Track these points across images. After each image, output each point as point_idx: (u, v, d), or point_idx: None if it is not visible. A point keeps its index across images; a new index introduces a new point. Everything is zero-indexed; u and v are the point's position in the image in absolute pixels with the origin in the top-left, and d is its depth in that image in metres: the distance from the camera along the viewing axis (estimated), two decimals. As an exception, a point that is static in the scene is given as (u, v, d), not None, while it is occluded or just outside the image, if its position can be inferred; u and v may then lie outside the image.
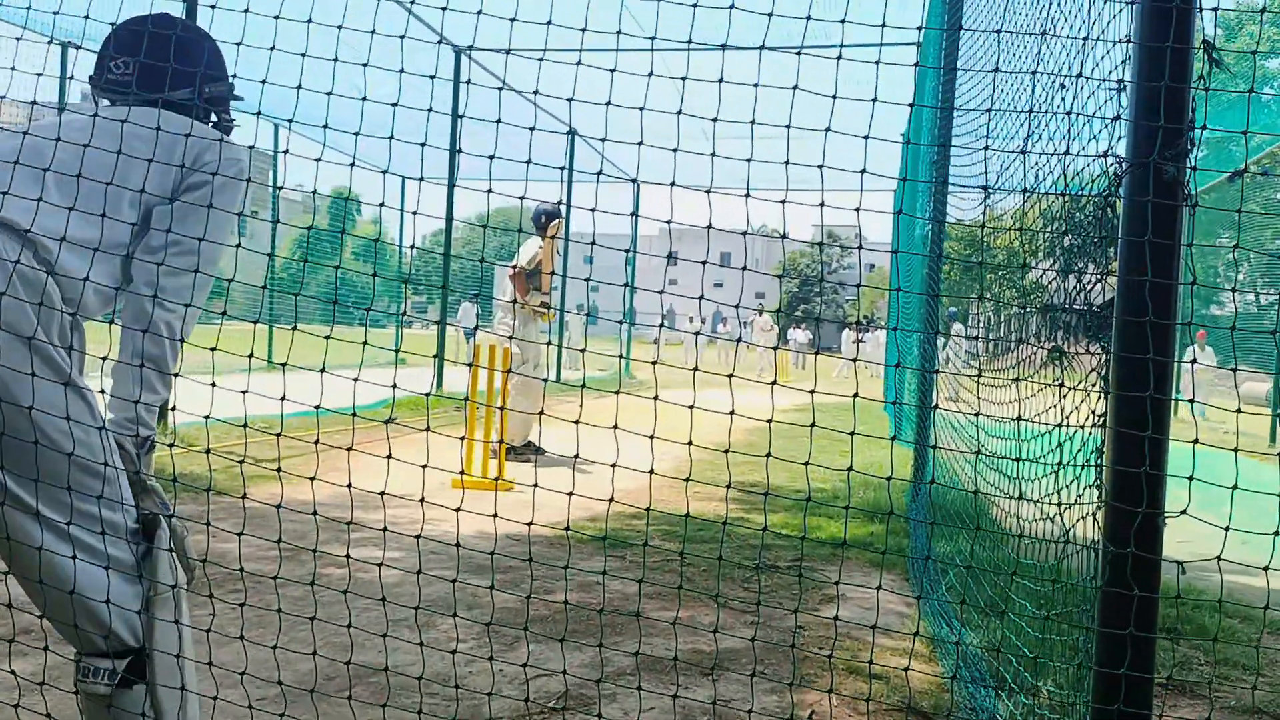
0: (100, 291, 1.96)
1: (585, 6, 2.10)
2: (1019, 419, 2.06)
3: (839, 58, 1.83)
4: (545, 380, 6.40)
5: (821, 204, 1.83)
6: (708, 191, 1.93)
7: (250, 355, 2.12)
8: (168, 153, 2.04)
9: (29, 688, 2.38)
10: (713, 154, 1.87)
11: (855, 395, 1.84)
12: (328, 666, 2.88)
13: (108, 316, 2.08)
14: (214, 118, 2.30)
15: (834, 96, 1.82)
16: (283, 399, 2.10)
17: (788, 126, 1.78)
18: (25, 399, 1.77)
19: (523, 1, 2.11)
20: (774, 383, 1.86)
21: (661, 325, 17.53)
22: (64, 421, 1.80)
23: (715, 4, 1.93)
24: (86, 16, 2.49)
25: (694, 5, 1.93)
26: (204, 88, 2.25)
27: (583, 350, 2.14)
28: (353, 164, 2.16)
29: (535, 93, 1.94)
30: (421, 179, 2.29)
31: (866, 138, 1.81)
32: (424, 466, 2.09)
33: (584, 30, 2.01)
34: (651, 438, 1.91)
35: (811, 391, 1.59)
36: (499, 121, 2.11)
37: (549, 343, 7.62)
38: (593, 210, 2.10)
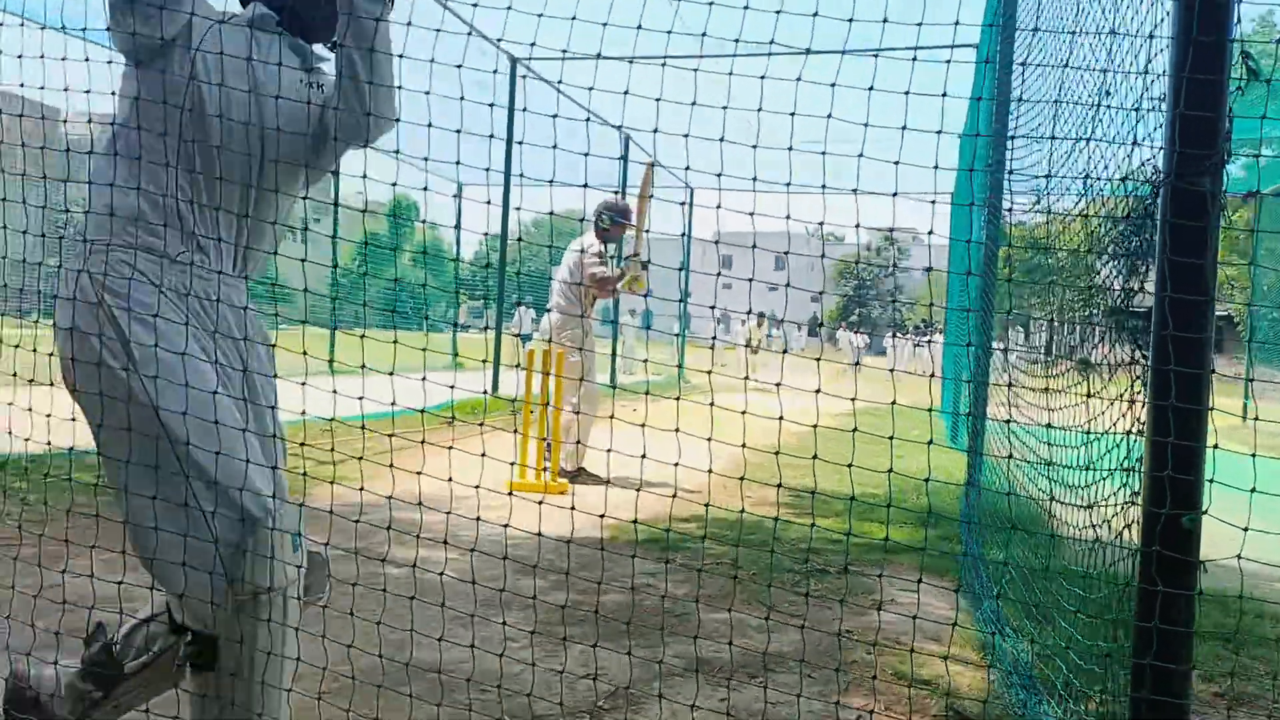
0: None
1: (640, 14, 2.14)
2: (1063, 428, 2.07)
3: (914, 58, 1.85)
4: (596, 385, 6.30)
5: (894, 194, 1.87)
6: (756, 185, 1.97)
7: (305, 354, 2.20)
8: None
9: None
10: (754, 145, 1.91)
11: (893, 402, 1.87)
12: (385, 663, 2.96)
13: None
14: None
15: (905, 93, 1.85)
16: (362, 398, 2.18)
17: (866, 125, 1.82)
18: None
19: (579, 10, 2.15)
20: (818, 391, 1.90)
21: (714, 340, 17.46)
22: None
23: (797, 10, 1.95)
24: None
25: (777, 12, 1.96)
26: None
27: (644, 360, 2.20)
28: (426, 166, 2.22)
29: (590, 88, 1.99)
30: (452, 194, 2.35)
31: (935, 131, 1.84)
32: (482, 455, 2.15)
33: (639, 29, 2.06)
34: (709, 439, 1.96)
35: (852, 399, 1.63)
36: (555, 117, 2.17)
37: (582, 348, 7.28)
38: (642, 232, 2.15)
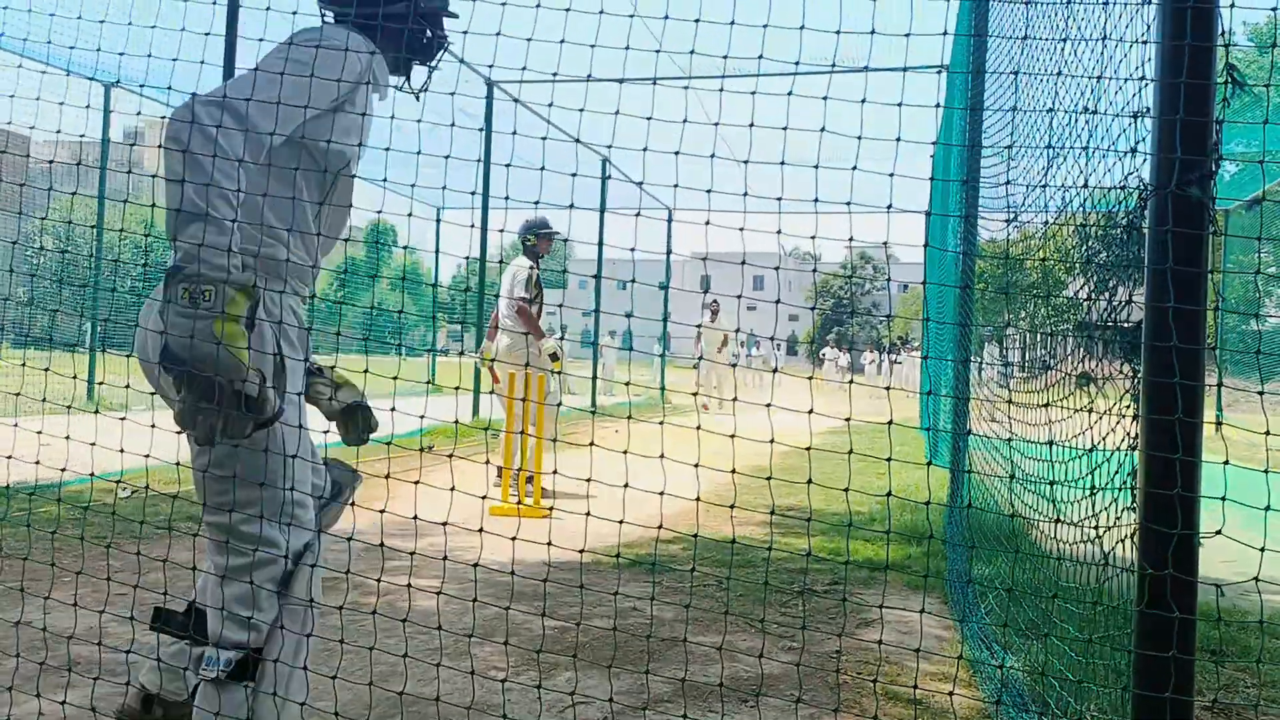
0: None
1: (605, 34, 2.14)
2: (1051, 443, 2.05)
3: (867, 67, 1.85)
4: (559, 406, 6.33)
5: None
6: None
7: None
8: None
9: (79, 717, 2.43)
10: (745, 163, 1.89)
11: (889, 421, 1.85)
12: (366, 694, 2.90)
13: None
14: (428, 33, 2.27)
15: (861, 102, 1.84)
16: (325, 432, 2.15)
17: (822, 130, 1.81)
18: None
19: (554, 31, 2.15)
20: (810, 411, 1.87)
21: (699, 359, 17.43)
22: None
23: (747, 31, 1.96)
24: (122, 54, 2.70)
25: (762, 28, 1.96)
26: (419, 2, 2.22)
27: (627, 383, 2.17)
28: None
29: (549, 104, 1.97)
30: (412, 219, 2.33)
31: (897, 139, 1.83)
32: (451, 490, 2.11)
33: (591, 47, 2.04)
34: (697, 466, 1.93)
35: (847, 419, 1.61)
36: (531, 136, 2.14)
37: (557, 371, 7.36)
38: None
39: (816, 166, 1.90)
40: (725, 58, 1.93)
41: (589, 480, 2.00)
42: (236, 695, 1.98)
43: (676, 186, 1.94)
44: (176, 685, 2.24)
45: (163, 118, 2.41)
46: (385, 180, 2.35)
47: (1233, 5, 1.44)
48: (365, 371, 2.33)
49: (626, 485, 1.88)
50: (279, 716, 2.01)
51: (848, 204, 1.90)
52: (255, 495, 1.97)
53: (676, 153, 2.00)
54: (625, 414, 2.11)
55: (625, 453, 1.83)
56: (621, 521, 2.09)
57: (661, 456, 1.89)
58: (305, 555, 2.05)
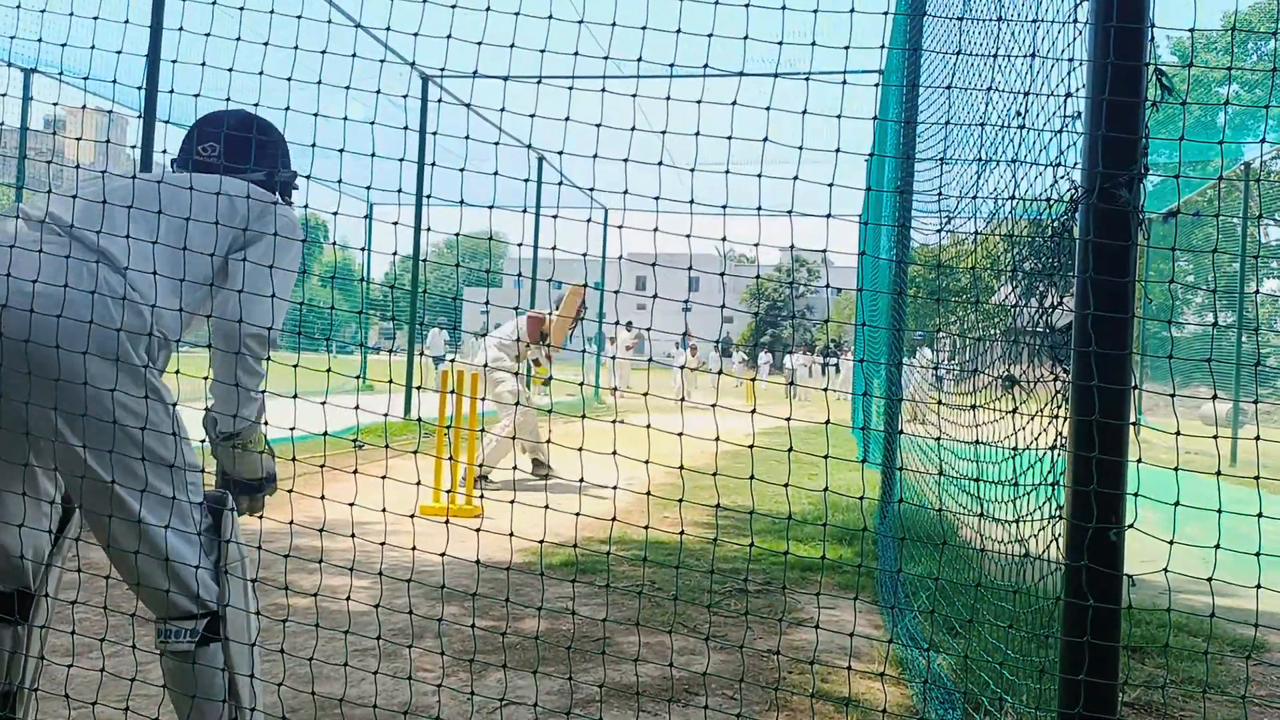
0: (174, 316, 2.29)
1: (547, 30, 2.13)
2: (978, 443, 2.08)
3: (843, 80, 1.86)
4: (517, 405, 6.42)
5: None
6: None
7: (206, 378, 2.21)
8: (230, 213, 2.36)
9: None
10: (691, 171, 1.89)
11: (827, 421, 1.85)
12: (292, 698, 2.84)
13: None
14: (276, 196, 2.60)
15: (803, 112, 1.85)
16: (266, 423, 2.10)
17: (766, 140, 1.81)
18: (108, 401, 2.11)
19: (490, 27, 2.14)
20: (753, 411, 1.87)
21: (650, 360, 17.54)
22: (143, 424, 2.14)
23: (675, 30, 1.95)
24: (40, 40, 2.66)
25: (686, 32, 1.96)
26: (277, 174, 2.63)
27: (547, 380, 2.15)
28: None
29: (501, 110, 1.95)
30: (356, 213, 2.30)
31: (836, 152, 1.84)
32: (383, 477, 2.07)
33: (543, 52, 2.03)
34: (647, 462, 1.92)
35: (788, 419, 1.61)
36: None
37: (517, 373, 7.67)
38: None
39: (759, 175, 1.91)
40: (671, 65, 1.94)
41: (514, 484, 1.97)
42: (209, 656, 2.18)
43: (625, 193, 1.93)
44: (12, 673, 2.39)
45: (83, 106, 2.35)
46: (339, 181, 2.36)
47: (1152, 30, 1.47)
48: (296, 366, 2.31)
49: (547, 507, 1.86)
50: (257, 661, 2.27)
51: (789, 212, 1.91)
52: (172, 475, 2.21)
53: (625, 160, 2.00)
54: (571, 414, 2.08)
55: (580, 450, 1.82)
56: (547, 513, 2.07)
57: (613, 453, 1.87)
58: (225, 501, 2.28)
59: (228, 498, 2.30)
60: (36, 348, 2.08)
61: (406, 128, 2.45)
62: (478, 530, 2.33)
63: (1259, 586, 1.70)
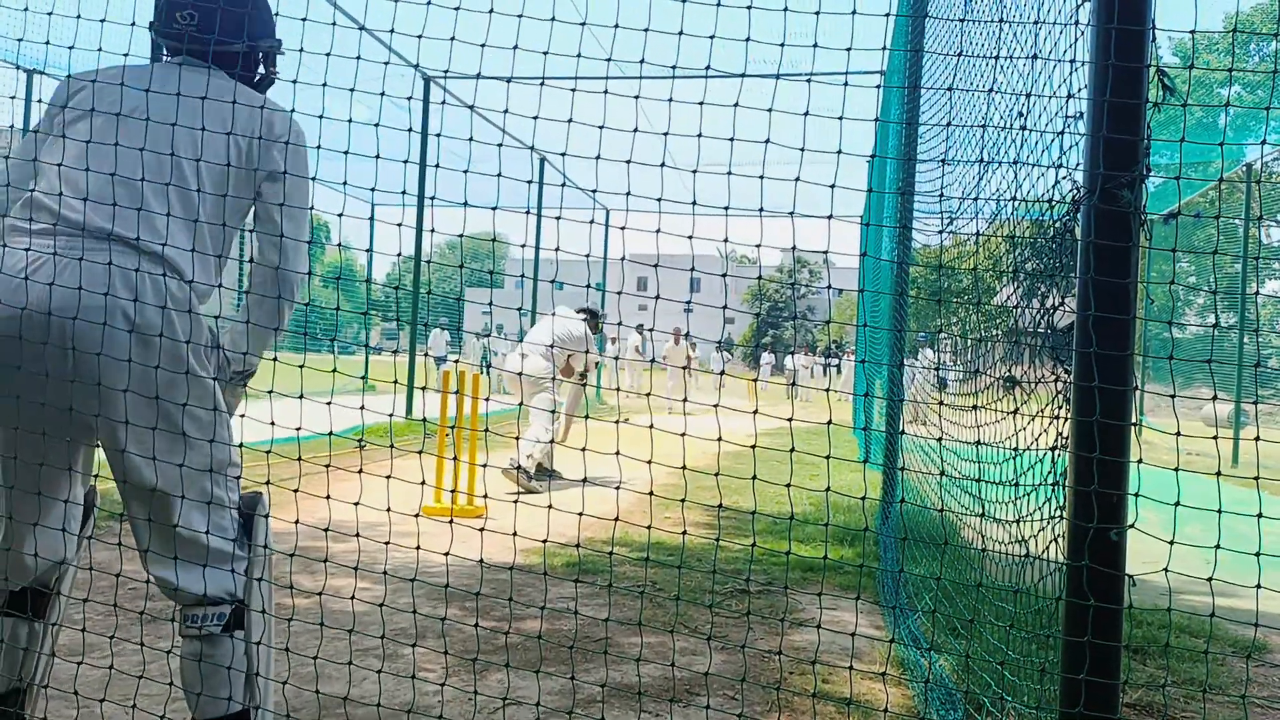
0: (208, 274, 2.26)
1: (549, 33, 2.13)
2: (979, 443, 2.08)
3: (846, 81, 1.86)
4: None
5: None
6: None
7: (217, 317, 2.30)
8: (246, 123, 2.27)
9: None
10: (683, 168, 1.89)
11: (829, 421, 1.86)
12: (295, 697, 2.85)
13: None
14: (261, 69, 2.50)
15: (805, 114, 1.85)
16: (273, 423, 2.11)
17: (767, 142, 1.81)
18: (173, 394, 2.11)
19: (492, 30, 2.14)
20: (755, 411, 1.88)
21: (652, 361, 17.57)
22: (202, 411, 2.15)
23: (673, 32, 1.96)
24: (47, 42, 2.66)
25: (704, 35, 1.96)
26: (257, 41, 2.44)
27: (553, 378, 2.16)
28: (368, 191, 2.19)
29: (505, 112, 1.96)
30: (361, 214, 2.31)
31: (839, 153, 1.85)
32: (388, 476, 2.08)
33: (547, 53, 2.03)
34: (649, 462, 1.92)
35: (789, 420, 1.61)
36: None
37: (520, 373, 7.82)
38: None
39: (761, 176, 1.91)
40: (673, 67, 1.94)
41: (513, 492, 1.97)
42: (231, 645, 2.18)
43: (628, 194, 1.93)
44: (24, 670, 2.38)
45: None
46: (344, 183, 2.35)
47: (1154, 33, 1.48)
48: (302, 367, 2.33)
49: (550, 507, 1.87)
50: (270, 661, 2.27)
51: (791, 213, 1.92)
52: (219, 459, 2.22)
53: (627, 161, 2.00)
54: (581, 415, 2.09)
55: (583, 450, 1.82)
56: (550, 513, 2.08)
57: (618, 453, 1.88)
58: (258, 506, 2.28)
59: (260, 501, 2.31)
60: (84, 357, 2.06)
61: (410, 129, 2.47)
62: (481, 530, 2.34)
63: (1259, 587, 1.71)
